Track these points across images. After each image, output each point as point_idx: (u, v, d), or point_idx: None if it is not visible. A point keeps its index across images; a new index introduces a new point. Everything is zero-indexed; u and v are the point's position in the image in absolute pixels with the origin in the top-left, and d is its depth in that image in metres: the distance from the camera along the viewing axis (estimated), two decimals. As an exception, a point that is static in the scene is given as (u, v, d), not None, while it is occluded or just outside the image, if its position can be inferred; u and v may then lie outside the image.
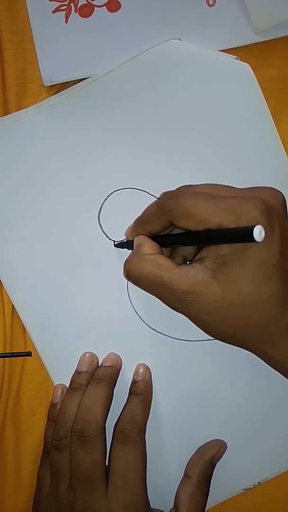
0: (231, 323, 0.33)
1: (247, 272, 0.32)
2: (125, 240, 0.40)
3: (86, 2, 0.41)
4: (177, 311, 0.35)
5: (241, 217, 0.31)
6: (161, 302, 0.35)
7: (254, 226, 0.29)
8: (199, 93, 0.41)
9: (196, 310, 0.33)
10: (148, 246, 0.36)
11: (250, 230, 0.29)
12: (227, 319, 0.33)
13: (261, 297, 0.32)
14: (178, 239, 0.36)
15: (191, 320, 0.35)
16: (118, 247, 0.41)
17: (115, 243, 0.41)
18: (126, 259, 0.36)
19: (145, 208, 0.38)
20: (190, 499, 0.39)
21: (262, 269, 0.32)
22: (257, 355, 0.35)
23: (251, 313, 0.33)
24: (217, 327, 0.34)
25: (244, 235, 0.30)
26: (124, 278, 0.41)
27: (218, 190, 0.34)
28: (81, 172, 0.42)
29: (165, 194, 0.35)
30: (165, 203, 0.34)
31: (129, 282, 0.41)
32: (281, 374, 0.35)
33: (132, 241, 0.37)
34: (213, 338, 0.40)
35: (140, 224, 0.38)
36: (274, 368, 0.35)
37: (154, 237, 0.37)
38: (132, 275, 0.35)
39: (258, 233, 0.29)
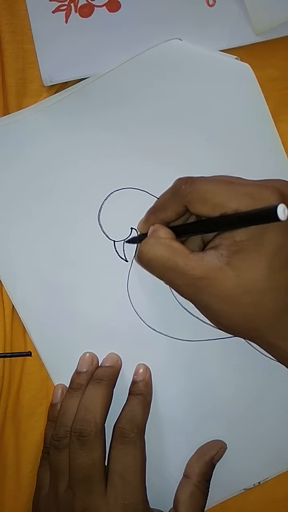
0: (243, 311, 0.33)
1: (263, 259, 0.32)
2: (137, 235, 0.40)
3: (86, 2, 0.41)
4: (187, 298, 0.34)
5: (258, 202, 0.31)
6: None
7: (278, 204, 0.28)
8: (199, 93, 0.41)
9: (208, 297, 0.33)
10: (163, 231, 0.36)
11: (273, 209, 0.28)
12: (239, 307, 0.33)
13: (276, 285, 0.32)
14: (195, 227, 0.35)
15: (200, 309, 0.35)
16: (129, 242, 0.41)
17: (126, 239, 0.41)
18: (140, 243, 0.36)
19: (159, 196, 0.38)
20: (189, 499, 0.39)
21: (278, 256, 0.32)
22: (265, 348, 0.35)
23: (264, 301, 0.32)
24: (228, 316, 0.33)
25: (267, 215, 0.29)
26: (124, 278, 0.41)
27: (232, 178, 0.34)
28: (81, 172, 0.42)
29: (180, 179, 0.35)
30: (181, 188, 0.34)
31: (129, 282, 0.41)
32: None
33: (145, 234, 0.37)
34: (214, 338, 0.40)
35: (153, 213, 0.37)
36: (281, 362, 0.35)
37: (169, 228, 0.36)
38: (145, 258, 0.35)
39: (282, 211, 0.28)
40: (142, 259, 0.35)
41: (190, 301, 0.34)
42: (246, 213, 0.31)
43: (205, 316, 0.35)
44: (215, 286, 0.33)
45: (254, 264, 0.32)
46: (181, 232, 0.36)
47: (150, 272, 0.36)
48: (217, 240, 0.33)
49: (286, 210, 0.29)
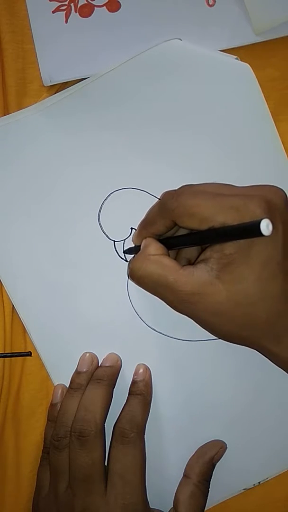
0: (237, 322, 0.33)
1: (253, 271, 0.32)
2: (133, 246, 0.40)
3: (86, 2, 0.41)
4: (181, 313, 0.35)
5: (244, 215, 0.31)
6: (165, 304, 0.35)
7: (261, 220, 0.28)
8: (199, 93, 0.41)
9: (201, 312, 0.33)
10: (153, 247, 0.36)
11: (257, 224, 0.28)
12: (233, 319, 0.33)
13: (267, 295, 0.33)
14: (184, 240, 0.36)
15: (196, 322, 0.35)
16: (126, 253, 0.41)
17: (124, 249, 0.41)
18: (131, 260, 0.36)
19: (147, 210, 0.38)
20: (189, 499, 0.39)
21: (267, 267, 0.32)
22: (261, 353, 0.35)
23: (257, 312, 0.33)
24: (223, 327, 0.34)
25: (251, 230, 0.29)
26: (124, 278, 0.41)
27: (220, 188, 0.34)
28: (81, 172, 0.42)
29: (167, 193, 0.35)
30: (167, 203, 0.34)
31: (129, 282, 0.41)
32: (285, 371, 0.35)
33: (139, 246, 0.37)
34: (213, 338, 0.40)
35: (144, 227, 0.38)
36: (278, 366, 0.35)
37: (160, 240, 0.37)
38: (135, 275, 0.35)
39: (266, 226, 0.28)
40: (133, 277, 0.36)
41: (184, 315, 0.35)
42: (232, 227, 0.31)
43: (201, 327, 0.35)
44: (207, 301, 0.33)
45: (243, 277, 0.32)
46: (172, 245, 0.36)
47: (142, 288, 0.36)
48: (208, 252, 0.33)
49: (270, 225, 0.29)
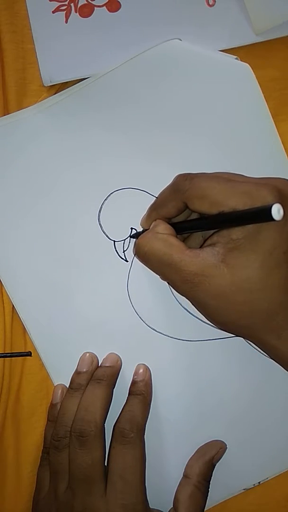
0: (237, 309, 0.33)
1: (258, 257, 0.32)
2: (141, 230, 0.40)
3: (86, 2, 0.41)
4: (182, 294, 0.35)
5: (255, 201, 0.32)
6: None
7: (272, 204, 0.29)
8: (199, 93, 0.41)
9: (202, 294, 0.33)
10: (162, 227, 0.36)
11: (268, 209, 0.29)
12: (233, 305, 0.33)
13: (270, 284, 0.33)
14: (193, 224, 0.36)
15: (196, 305, 0.35)
16: (134, 237, 0.41)
17: (131, 234, 0.41)
18: (139, 236, 0.37)
19: (158, 194, 0.38)
20: (189, 499, 0.39)
21: (273, 255, 0.32)
22: (259, 346, 0.35)
23: (258, 300, 0.33)
24: (222, 313, 0.34)
25: (262, 214, 0.30)
26: (124, 278, 0.41)
27: (233, 176, 0.35)
28: (81, 172, 0.42)
29: (181, 175, 0.35)
30: (180, 184, 0.35)
31: (129, 282, 0.41)
32: (283, 367, 0.35)
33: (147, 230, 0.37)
34: (214, 338, 0.40)
35: (154, 209, 0.38)
36: (276, 361, 0.35)
37: (170, 224, 0.37)
38: (142, 250, 0.36)
39: (277, 211, 0.29)
40: (139, 252, 0.36)
41: (185, 296, 0.35)
42: (243, 211, 0.32)
43: (200, 312, 0.35)
44: (209, 283, 0.33)
45: (248, 263, 0.32)
46: (181, 229, 0.37)
47: (147, 265, 0.36)
48: (215, 237, 0.33)
49: (281, 210, 0.29)
